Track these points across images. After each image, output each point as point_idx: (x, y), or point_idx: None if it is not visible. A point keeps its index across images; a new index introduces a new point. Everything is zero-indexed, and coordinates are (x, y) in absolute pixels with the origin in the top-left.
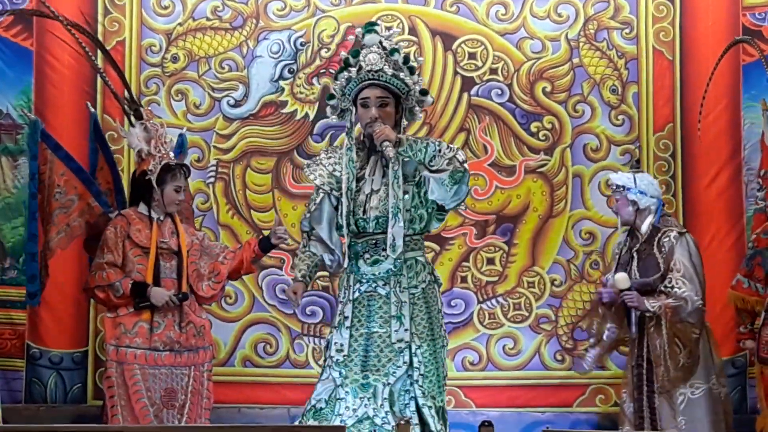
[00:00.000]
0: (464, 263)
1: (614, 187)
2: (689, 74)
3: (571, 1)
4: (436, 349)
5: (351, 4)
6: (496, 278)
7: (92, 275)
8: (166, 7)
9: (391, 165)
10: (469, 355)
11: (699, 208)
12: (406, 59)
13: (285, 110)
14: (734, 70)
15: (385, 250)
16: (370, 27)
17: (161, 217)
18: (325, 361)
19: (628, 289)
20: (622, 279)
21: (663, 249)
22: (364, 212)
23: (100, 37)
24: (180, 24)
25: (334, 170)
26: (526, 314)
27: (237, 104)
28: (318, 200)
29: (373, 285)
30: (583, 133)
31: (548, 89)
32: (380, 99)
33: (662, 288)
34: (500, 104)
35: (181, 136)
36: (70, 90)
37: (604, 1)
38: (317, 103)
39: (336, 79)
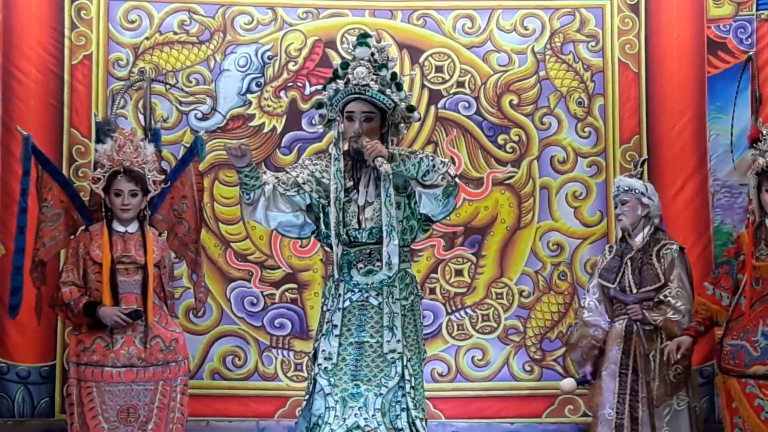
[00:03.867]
0: (433, 275)
1: (625, 189)
2: (655, 86)
3: (537, 14)
4: (421, 361)
5: (318, 18)
6: (464, 290)
7: (53, 294)
8: (133, 21)
9: (382, 182)
10: (438, 366)
11: (665, 219)
12: (394, 75)
13: (253, 123)
14: (699, 82)
15: (379, 260)
16: (362, 39)
17: (129, 230)
18: (313, 371)
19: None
20: (567, 384)
21: (663, 261)
22: (359, 224)
23: (66, 51)
24: (147, 38)
25: (322, 177)
26: (495, 325)
27: (204, 117)
28: (292, 190)
29: (365, 295)
30: (549, 145)
31: (515, 102)
32: (365, 114)
33: (661, 298)
34: (467, 117)
35: (197, 138)
36: (36, 103)
37: (569, 14)
38: (285, 116)
39: (324, 89)
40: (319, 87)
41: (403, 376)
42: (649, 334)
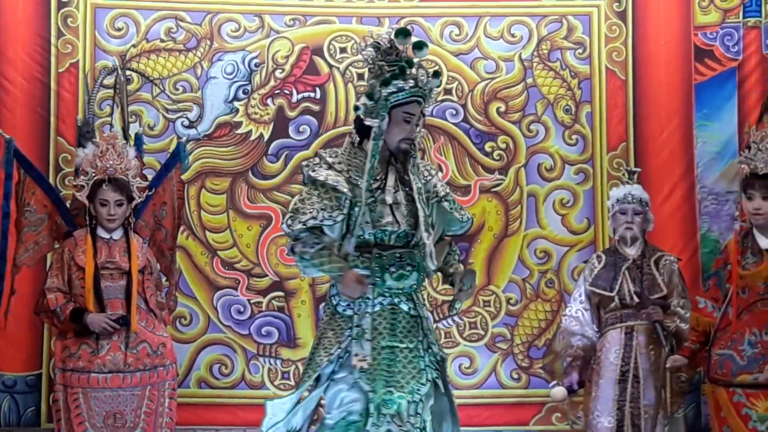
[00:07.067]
0: None
1: (640, 200)
2: (642, 93)
3: (525, 21)
4: None
5: (305, 25)
6: (452, 297)
7: (38, 300)
8: (119, 29)
9: (414, 183)
10: None
11: (653, 226)
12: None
13: (239, 131)
14: (686, 89)
15: (410, 265)
16: (419, 42)
17: (114, 236)
18: (304, 374)
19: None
20: (559, 392)
21: (663, 272)
22: (396, 222)
23: (52, 59)
24: (134, 45)
25: (350, 177)
26: (482, 333)
27: (191, 125)
28: (346, 209)
29: (396, 299)
30: (537, 152)
31: (502, 109)
32: (420, 118)
33: (671, 309)
34: (455, 124)
35: (178, 144)
36: (22, 112)
37: (557, 21)
38: (272, 124)
39: (387, 83)
40: (306, 94)
41: (439, 377)
42: (657, 340)
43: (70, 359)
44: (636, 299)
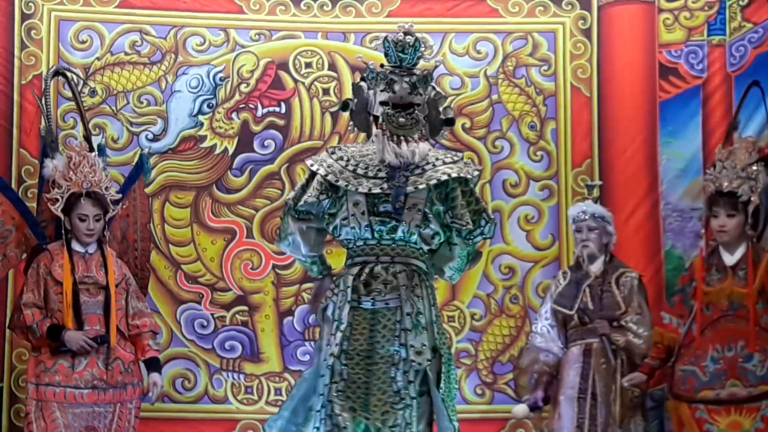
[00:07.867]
0: None
1: (594, 215)
2: (607, 110)
3: (490, 38)
4: None
5: (270, 40)
6: None
7: (13, 315)
8: (83, 42)
9: None
10: None
11: (617, 243)
12: None
13: (204, 144)
14: (651, 107)
15: None
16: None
17: (89, 250)
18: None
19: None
20: (520, 410)
21: (623, 288)
22: None
23: (16, 71)
24: (98, 58)
25: None
26: None
27: (155, 138)
28: None
29: None
30: (502, 168)
31: (467, 125)
32: None
33: (622, 323)
34: None
35: (141, 156)
36: None
37: (522, 38)
38: (236, 138)
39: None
40: (271, 109)
41: None
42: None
43: (45, 374)
44: (594, 317)
